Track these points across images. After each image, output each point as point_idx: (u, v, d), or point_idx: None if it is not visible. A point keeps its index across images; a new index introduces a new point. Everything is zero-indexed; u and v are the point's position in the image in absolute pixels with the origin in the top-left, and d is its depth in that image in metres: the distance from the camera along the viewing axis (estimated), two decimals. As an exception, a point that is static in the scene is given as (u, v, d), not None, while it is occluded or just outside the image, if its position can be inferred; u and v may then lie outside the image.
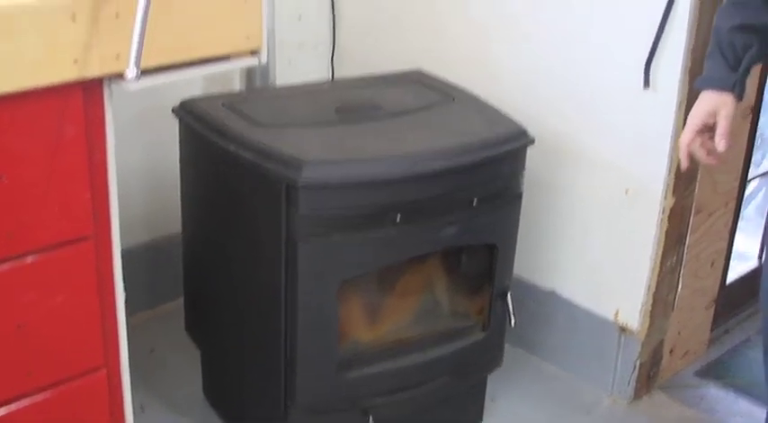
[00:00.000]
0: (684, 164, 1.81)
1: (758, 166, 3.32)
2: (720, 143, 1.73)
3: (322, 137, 1.99)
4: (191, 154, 2.14)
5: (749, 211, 3.31)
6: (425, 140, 2.02)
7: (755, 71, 2.31)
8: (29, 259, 1.42)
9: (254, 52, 1.60)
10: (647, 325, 2.39)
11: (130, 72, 1.33)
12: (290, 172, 1.84)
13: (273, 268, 1.93)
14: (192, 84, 2.46)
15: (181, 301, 2.35)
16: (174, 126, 2.14)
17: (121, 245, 1.56)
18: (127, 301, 1.59)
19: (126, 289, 1.59)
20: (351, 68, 2.82)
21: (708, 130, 1.76)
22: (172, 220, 2.33)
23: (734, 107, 1.74)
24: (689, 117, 1.78)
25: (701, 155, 1.78)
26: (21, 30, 1.29)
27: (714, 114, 1.74)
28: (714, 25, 1.79)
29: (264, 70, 2.51)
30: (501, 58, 2.47)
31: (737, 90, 1.74)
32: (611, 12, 2.22)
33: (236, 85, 2.61)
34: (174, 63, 1.48)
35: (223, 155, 1.95)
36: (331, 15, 2.84)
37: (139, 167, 2.55)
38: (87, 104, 1.42)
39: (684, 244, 2.40)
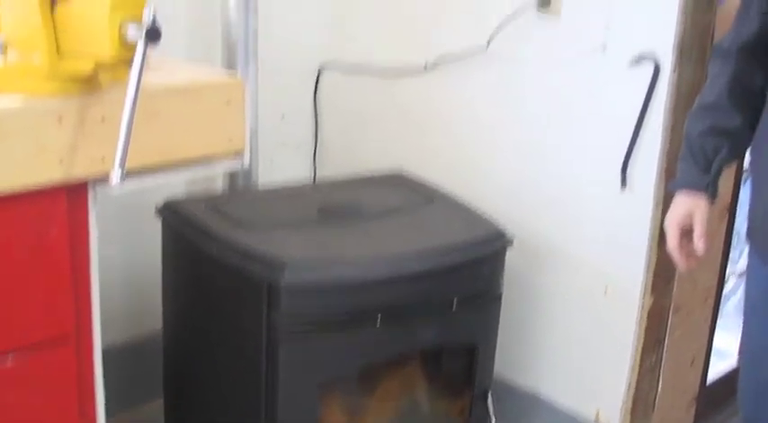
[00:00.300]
0: (683, 266, 1.82)
1: (736, 263, 3.35)
2: (699, 245, 1.75)
3: (304, 238, 2.01)
4: (173, 253, 2.15)
5: (728, 309, 3.32)
6: (406, 242, 2.04)
7: (730, 170, 2.36)
8: (9, 359, 1.41)
9: (237, 154, 1.63)
10: (628, 424, 2.38)
11: (115, 175, 1.34)
12: (272, 273, 1.85)
13: (255, 369, 1.92)
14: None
15: (160, 402, 2.33)
16: (156, 223, 2.16)
17: (102, 344, 1.55)
18: (105, 402, 1.59)
19: (104, 389, 1.58)
20: (333, 167, 2.85)
21: (685, 233, 1.78)
22: (152, 318, 2.32)
23: (708, 209, 1.77)
24: (667, 222, 1.80)
25: (680, 258, 1.80)
26: (8, 132, 1.31)
27: (690, 216, 1.77)
28: (685, 129, 1.83)
29: (247, 169, 2.54)
30: (480, 160, 2.50)
31: (710, 192, 1.77)
32: (589, 114, 2.27)
33: (219, 182, 2.63)
34: (158, 165, 1.51)
35: (206, 256, 1.97)
36: (313, 115, 2.88)
37: (121, 265, 2.55)
38: (71, 206, 1.44)
39: (664, 343, 2.40)
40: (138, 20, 1.31)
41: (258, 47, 2.43)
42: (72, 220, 1.44)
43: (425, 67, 2.55)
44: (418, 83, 2.60)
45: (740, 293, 3.41)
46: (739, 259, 3.45)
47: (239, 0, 2.32)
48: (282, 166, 2.82)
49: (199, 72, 1.67)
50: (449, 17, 2.51)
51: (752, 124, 1.76)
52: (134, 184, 1.46)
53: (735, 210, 2.59)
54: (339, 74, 2.79)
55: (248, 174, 2.54)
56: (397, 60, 2.64)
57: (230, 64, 2.37)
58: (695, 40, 2.14)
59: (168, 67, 1.60)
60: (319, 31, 2.79)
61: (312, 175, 2.90)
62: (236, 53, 2.36)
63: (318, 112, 2.87)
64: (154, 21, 1.29)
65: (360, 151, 2.81)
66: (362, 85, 2.75)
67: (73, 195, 1.43)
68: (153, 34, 1.29)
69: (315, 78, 2.83)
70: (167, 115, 1.48)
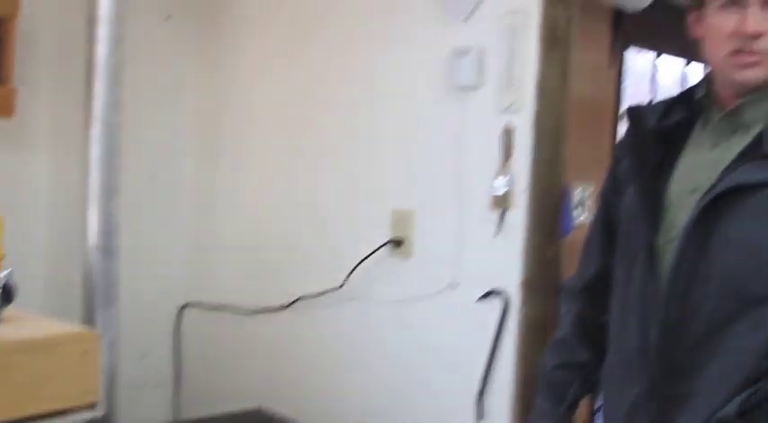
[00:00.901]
0: None
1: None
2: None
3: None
4: None
5: None
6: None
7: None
8: None
9: (92, 405, 1.62)
10: None
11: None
12: None
13: None
14: None
15: None
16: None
17: None
18: None
19: None
20: (195, 405, 2.82)
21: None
22: None
23: (561, 439, 1.83)
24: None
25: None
26: None
27: (545, 444, 1.82)
28: (542, 363, 1.90)
29: (108, 409, 2.49)
30: (340, 393, 2.52)
31: (564, 423, 1.84)
32: (443, 349, 2.32)
33: None
34: (9, 421, 1.48)
35: None
36: (175, 353, 2.87)
37: None
38: None
39: None
40: (-7, 279, 1.32)
41: (119, 289, 2.44)
42: None
43: (283, 307, 2.60)
44: (278, 320, 2.64)
45: None
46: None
47: (98, 245, 2.35)
48: (144, 405, 2.78)
49: (54, 326, 1.67)
50: (305, 260, 2.60)
51: (600, 358, 1.84)
52: (-17, 443, 1.44)
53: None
54: (200, 312, 2.82)
55: (107, 417, 2.49)
56: (257, 299, 2.68)
57: (89, 310, 2.36)
58: (542, 275, 2.24)
59: (23, 321, 1.60)
60: (179, 271, 2.83)
61: (174, 414, 2.87)
62: (94, 299, 2.36)
63: (180, 350, 2.87)
64: (7, 282, 1.31)
65: (222, 387, 2.80)
66: (223, 323, 2.78)
67: None
68: (6, 296, 1.30)
69: (175, 317, 2.85)
70: (18, 369, 1.48)
